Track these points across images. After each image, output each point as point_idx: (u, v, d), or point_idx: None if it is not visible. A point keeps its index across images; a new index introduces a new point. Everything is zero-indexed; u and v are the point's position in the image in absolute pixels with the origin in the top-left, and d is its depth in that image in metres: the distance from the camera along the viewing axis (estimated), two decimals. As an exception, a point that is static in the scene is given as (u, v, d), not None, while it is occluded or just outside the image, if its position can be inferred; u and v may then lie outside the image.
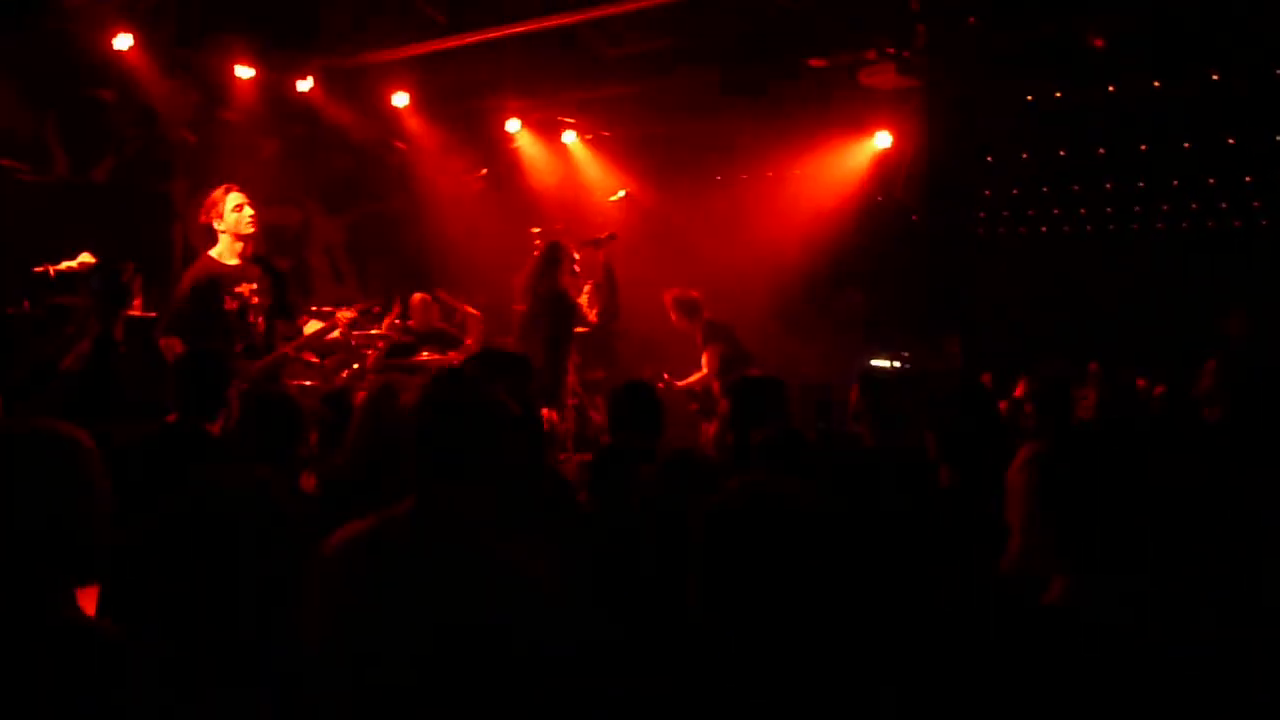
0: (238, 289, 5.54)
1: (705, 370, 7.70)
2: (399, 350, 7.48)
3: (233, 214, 5.53)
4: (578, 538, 3.27)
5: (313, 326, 6.33)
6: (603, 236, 7.08)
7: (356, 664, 2.20)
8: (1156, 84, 7.26)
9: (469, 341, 8.23)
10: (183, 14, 6.53)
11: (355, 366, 7.09)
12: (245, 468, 2.44)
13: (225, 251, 5.59)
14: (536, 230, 8.12)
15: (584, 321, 7.00)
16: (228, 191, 5.57)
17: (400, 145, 9.25)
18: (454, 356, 8.15)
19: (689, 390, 7.82)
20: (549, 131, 9.58)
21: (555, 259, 6.66)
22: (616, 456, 3.99)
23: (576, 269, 6.76)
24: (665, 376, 7.71)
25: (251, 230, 5.58)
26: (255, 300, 5.58)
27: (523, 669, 2.17)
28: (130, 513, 2.84)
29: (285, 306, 5.69)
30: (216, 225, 5.57)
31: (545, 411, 5.29)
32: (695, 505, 2.01)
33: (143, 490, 3.08)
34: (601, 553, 3.10)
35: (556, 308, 6.62)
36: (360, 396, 4.51)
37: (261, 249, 5.73)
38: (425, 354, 7.70)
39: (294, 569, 2.15)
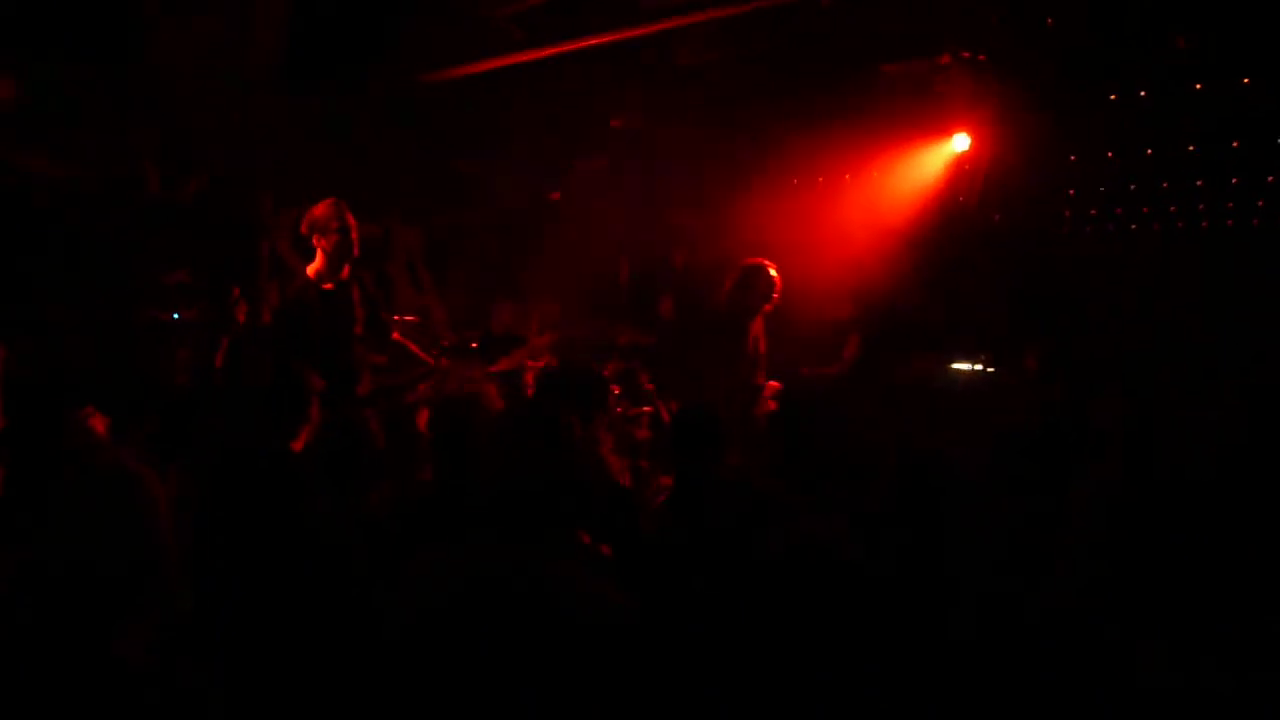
0: (335, 310, 5.34)
1: None
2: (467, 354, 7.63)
3: (338, 233, 5.27)
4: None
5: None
6: None
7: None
8: (1246, 80, 7.04)
9: (539, 341, 8.35)
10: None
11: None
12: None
13: (325, 270, 5.35)
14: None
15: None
16: (338, 208, 5.29)
17: (477, 158, 9.40)
18: (529, 364, 8.31)
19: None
20: (628, 144, 9.64)
21: (749, 283, 6.59)
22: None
23: (776, 296, 6.61)
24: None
25: (356, 254, 5.35)
26: (352, 323, 5.42)
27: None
28: (213, 531, 2.99)
29: (378, 326, 5.60)
30: (318, 241, 5.31)
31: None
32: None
33: (225, 509, 3.24)
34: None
35: (734, 327, 6.60)
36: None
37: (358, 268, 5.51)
38: (503, 362, 7.83)
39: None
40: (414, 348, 6.11)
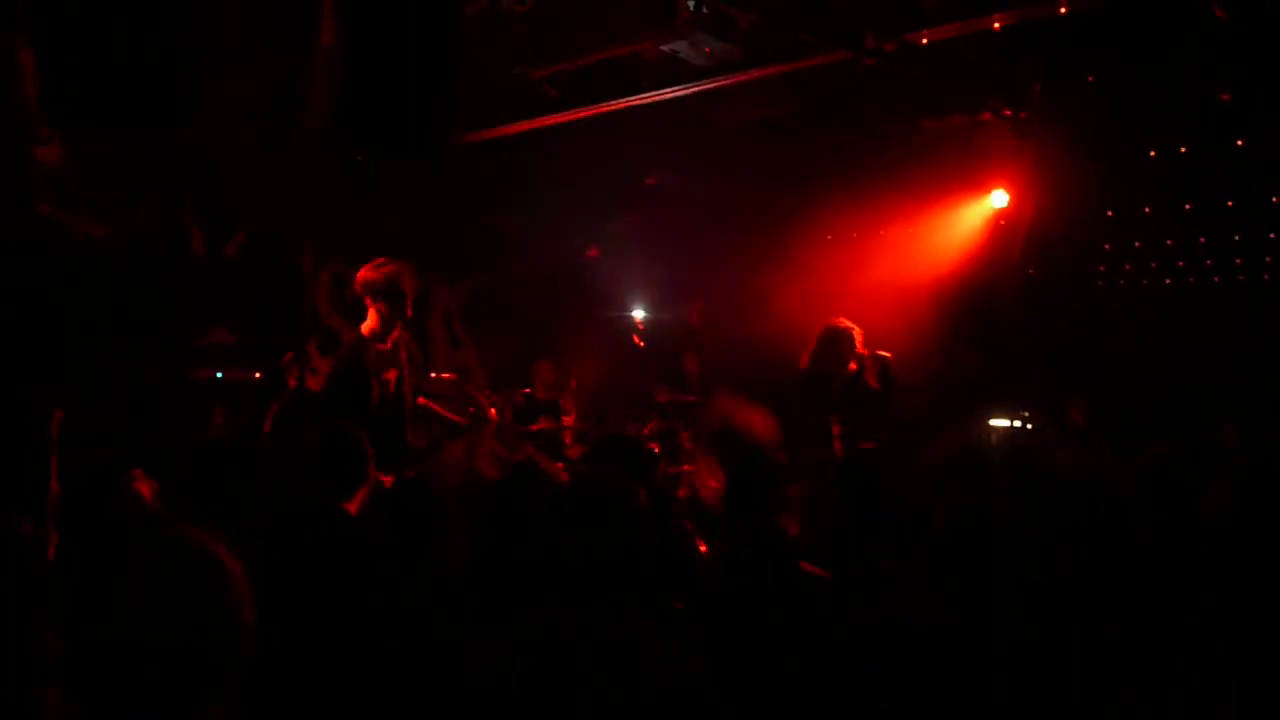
0: (385, 374, 5.31)
1: None
2: (520, 417, 7.61)
3: (398, 296, 5.24)
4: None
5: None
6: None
7: None
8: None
9: (570, 415, 8.32)
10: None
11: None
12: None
13: (379, 330, 5.30)
14: None
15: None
16: (399, 271, 5.24)
17: (513, 216, 9.46)
18: (567, 422, 8.28)
19: None
20: (665, 202, 9.69)
21: (834, 342, 6.55)
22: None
23: (860, 350, 6.56)
24: None
25: (409, 315, 5.34)
26: (399, 384, 5.40)
27: None
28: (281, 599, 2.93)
29: (415, 387, 5.60)
30: (373, 302, 5.27)
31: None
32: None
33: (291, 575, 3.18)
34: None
35: (819, 386, 6.55)
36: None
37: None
38: (542, 421, 7.81)
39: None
40: (442, 410, 6.10)
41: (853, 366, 6.42)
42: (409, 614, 3.01)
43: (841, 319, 6.53)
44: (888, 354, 6.54)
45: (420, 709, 2.73)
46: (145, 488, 4.14)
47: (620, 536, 2.83)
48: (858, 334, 6.44)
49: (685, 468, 7.41)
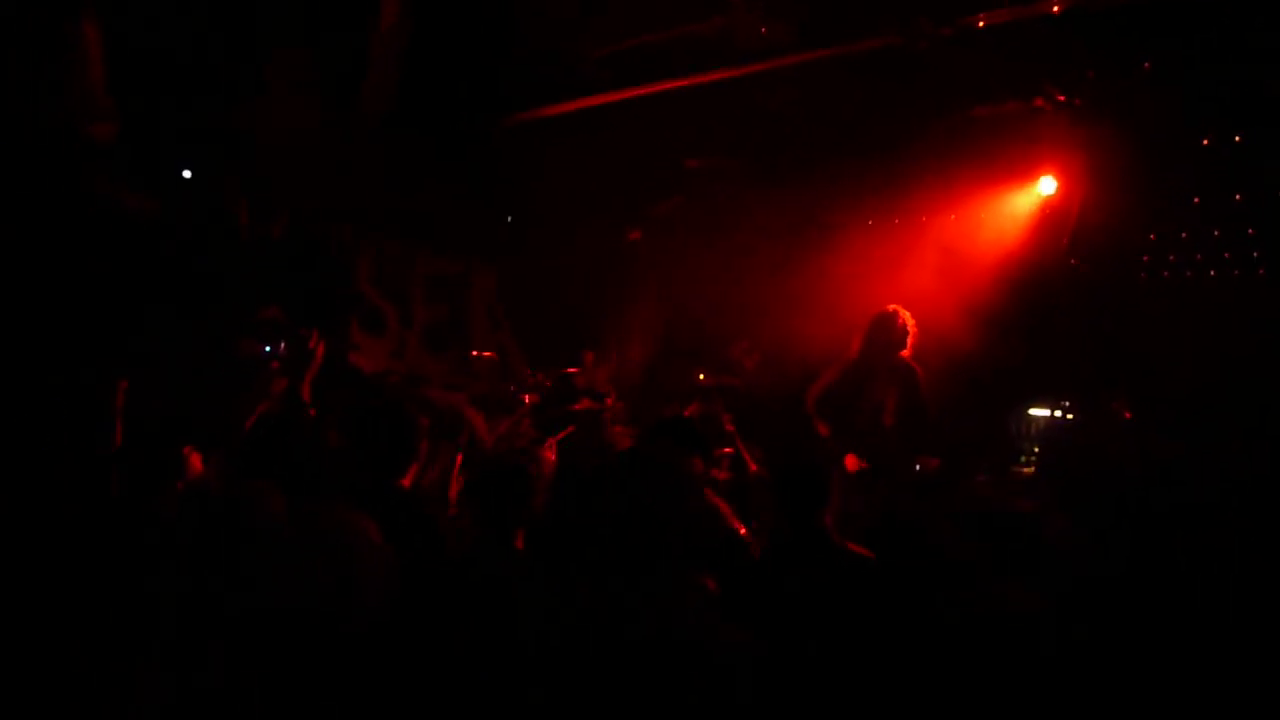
0: None
1: None
2: (562, 397, 7.65)
3: None
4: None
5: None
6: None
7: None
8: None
9: (611, 397, 8.35)
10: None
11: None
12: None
13: None
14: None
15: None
16: None
17: (556, 199, 9.46)
18: (610, 404, 8.31)
19: None
20: (708, 185, 9.65)
21: (881, 330, 6.45)
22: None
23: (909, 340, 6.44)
24: None
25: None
26: None
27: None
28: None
29: None
30: None
31: None
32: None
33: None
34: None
35: (864, 375, 6.49)
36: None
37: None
38: (584, 402, 7.84)
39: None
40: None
41: (905, 354, 6.35)
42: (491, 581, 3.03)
43: (895, 305, 6.45)
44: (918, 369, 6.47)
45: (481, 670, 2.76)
46: (197, 459, 4.22)
47: (676, 507, 2.87)
48: (910, 322, 6.37)
49: (726, 450, 7.41)
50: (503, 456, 4.15)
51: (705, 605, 2.81)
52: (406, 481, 4.29)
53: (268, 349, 6.58)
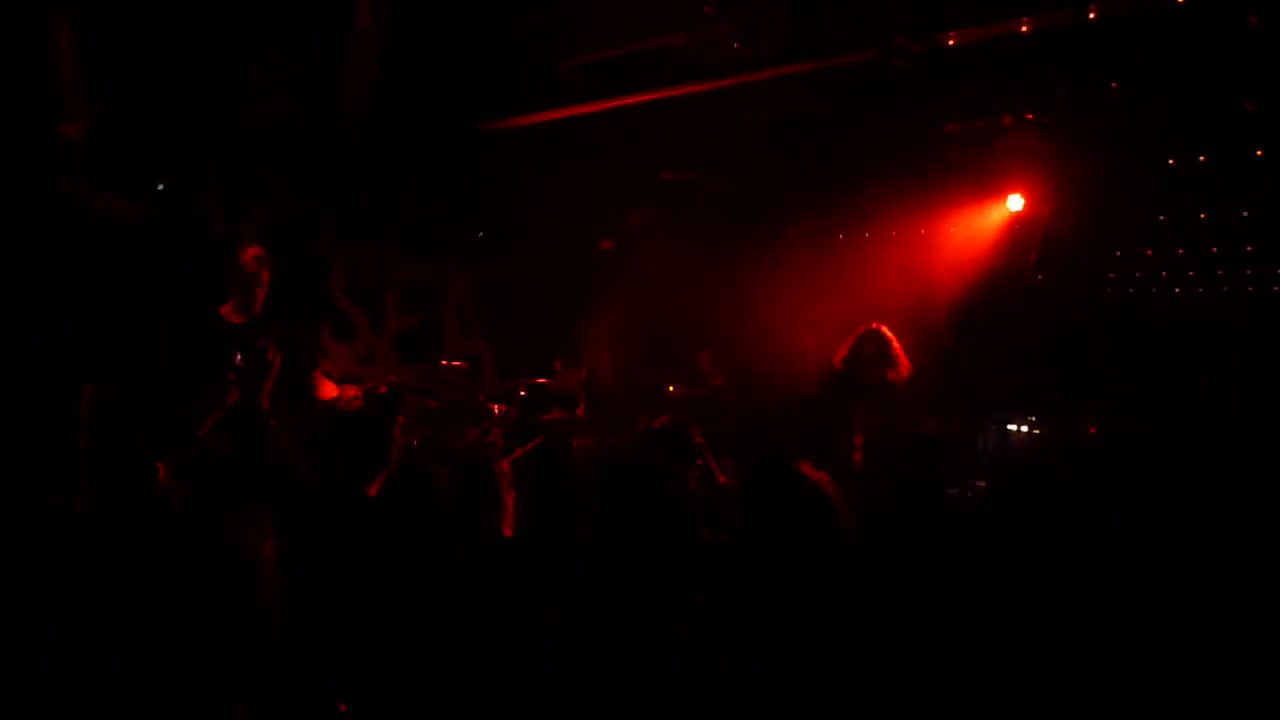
0: None
1: None
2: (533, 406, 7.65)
3: None
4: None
5: None
6: None
7: None
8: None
9: (581, 407, 8.35)
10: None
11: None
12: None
13: None
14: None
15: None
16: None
17: (532, 206, 9.45)
18: (580, 414, 8.31)
19: None
20: (681, 198, 9.67)
21: (861, 348, 6.50)
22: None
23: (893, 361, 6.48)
24: None
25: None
26: None
27: None
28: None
29: None
30: None
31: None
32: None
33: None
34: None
35: (846, 392, 6.52)
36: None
37: None
38: (555, 412, 7.84)
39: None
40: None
41: (889, 375, 6.36)
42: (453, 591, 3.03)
43: (881, 325, 6.47)
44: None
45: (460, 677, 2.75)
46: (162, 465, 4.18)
47: (664, 515, 2.88)
48: (895, 343, 6.40)
49: (696, 461, 7.42)
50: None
51: (691, 613, 2.84)
52: (373, 491, 4.28)
53: (231, 356, 6.52)
